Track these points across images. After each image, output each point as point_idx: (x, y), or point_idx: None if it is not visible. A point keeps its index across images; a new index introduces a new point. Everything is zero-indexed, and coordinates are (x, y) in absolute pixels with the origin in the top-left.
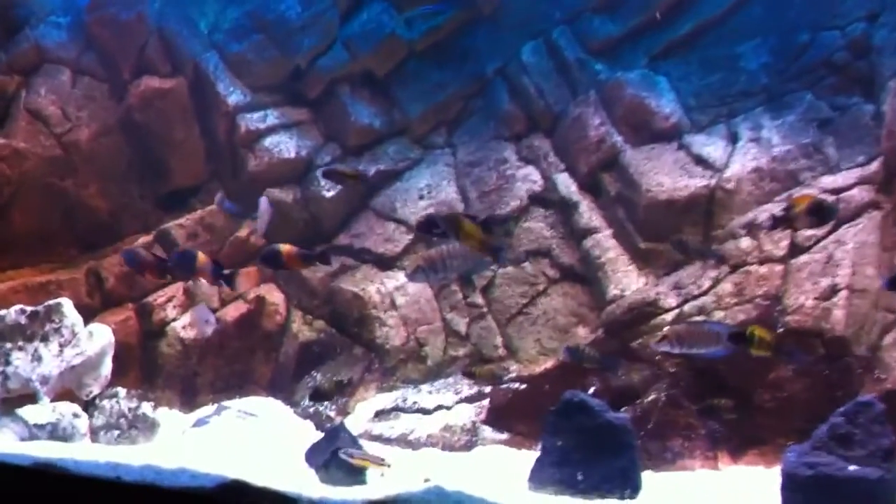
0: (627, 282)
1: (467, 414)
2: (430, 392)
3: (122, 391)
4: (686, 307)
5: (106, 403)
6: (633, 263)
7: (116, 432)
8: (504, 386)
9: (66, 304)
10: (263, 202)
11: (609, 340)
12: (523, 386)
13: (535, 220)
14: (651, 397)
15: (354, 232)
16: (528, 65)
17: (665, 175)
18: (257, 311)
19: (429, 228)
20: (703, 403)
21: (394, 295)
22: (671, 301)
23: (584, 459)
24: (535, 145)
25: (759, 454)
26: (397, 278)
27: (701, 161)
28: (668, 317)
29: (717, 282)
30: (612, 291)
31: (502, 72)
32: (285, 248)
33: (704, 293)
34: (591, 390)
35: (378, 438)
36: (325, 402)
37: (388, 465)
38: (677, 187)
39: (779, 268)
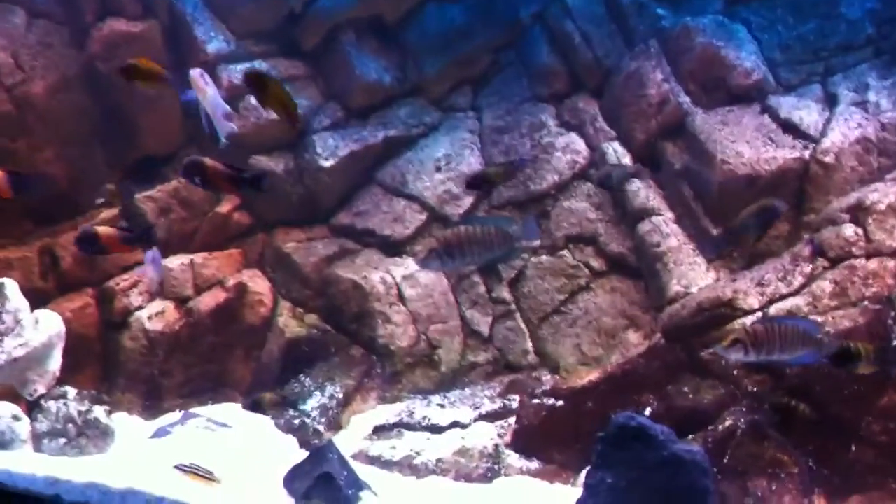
0: (694, 276)
1: (488, 435)
2: (442, 405)
3: (71, 391)
4: (772, 309)
5: (52, 405)
6: (701, 254)
7: (63, 440)
8: (536, 401)
9: (10, 286)
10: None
11: (670, 349)
12: (560, 402)
13: (577, 198)
14: (727, 424)
15: (357, 209)
16: (573, 8)
17: (745, 144)
18: (238, 301)
19: (480, 186)
20: (771, 400)
21: (402, 285)
22: (752, 301)
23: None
24: (579, 108)
25: (865, 501)
26: (406, 265)
27: (791, 128)
28: (749, 321)
29: (811, 279)
30: (674, 288)
31: (541, 17)
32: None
33: (796, 292)
34: (648, 411)
35: (376, 461)
36: (314, 414)
37: (218, 481)
38: (762, 159)
39: (892, 263)
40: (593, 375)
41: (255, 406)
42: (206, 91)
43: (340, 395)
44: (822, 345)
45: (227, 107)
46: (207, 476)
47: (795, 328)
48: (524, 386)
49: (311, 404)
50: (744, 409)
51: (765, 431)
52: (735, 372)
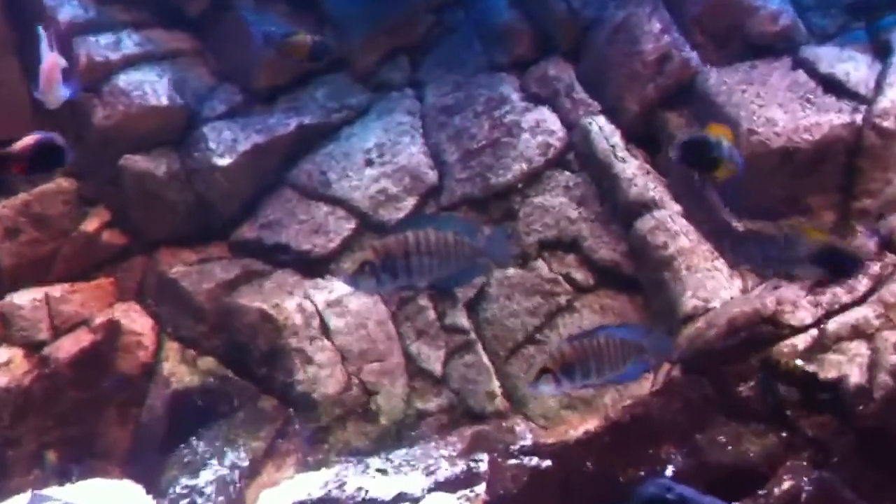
0: (714, 286)
1: None
2: (384, 471)
3: None
4: (830, 325)
5: None
6: (721, 257)
7: None
8: (513, 462)
9: None
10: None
11: (694, 384)
12: (547, 463)
13: (552, 192)
14: (785, 485)
15: (265, 220)
16: None
17: (778, 108)
18: (108, 345)
19: (694, 158)
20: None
21: (326, 314)
22: (804, 316)
23: None
24: (550, 75)
25: None
26: (332, 288)
27: (834, 86)
28: (801, 341)
29: (880, 281)
30: (690, 302)
31: None
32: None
33: (861, 300)
34: (670, 470)
35: None
36: (208, 490)
37: None
38: (800, 127)
39: None
40: (590, 424)
41: None
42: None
43: (246, 463)
44: (649, 351)
45: (64, 62)
46: None
47: (611, 339)
48: (493, 440)
49: (205, 477)
50: (805, 464)
51: (839, 494)
52: (788, 412)
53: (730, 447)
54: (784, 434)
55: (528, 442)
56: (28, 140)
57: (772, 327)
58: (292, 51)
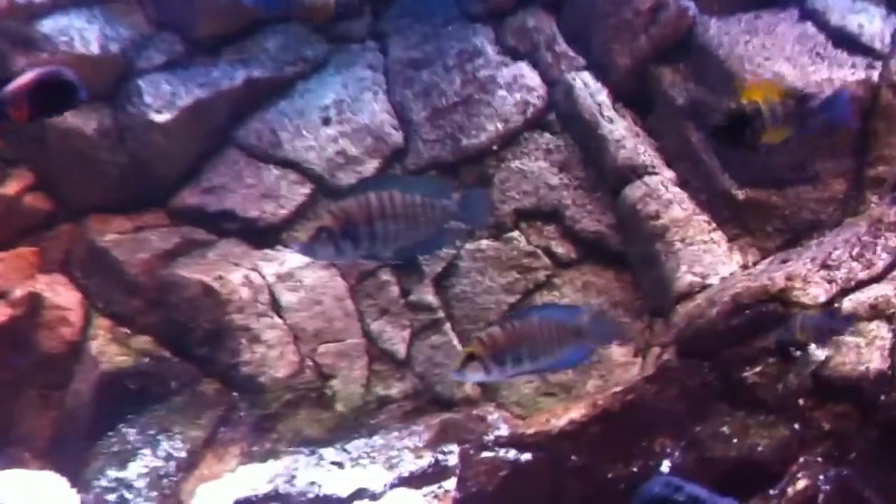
0: (712, 261)
1: None
2: (340, 463)
3: None
4: (845, 303)
5: None
6: (720, 228)
7: None
8: (487, 454)
9: None
10: None
11: (693, 369)
12: (526, 456)
13: (531, 155)
14: (799, 484)
15: (209, 183)
16: None
17: (785, 62)
18: (29, 321)
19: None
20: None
21: (276, 289)
22: (817, 292)
23: None
24: (529, 27)
25: None
26: (283, 260)
27: (846, 40)
28: None
29: None
30: (686, 278)
31: None
32: None
33: (880, 276)
34: (666, 465)
35: None
36: (139, 485)
37: None
38: (811, 82)
39: None
40: (575, 412)
41: None
42: None
43: (182, 454)
44: (588, 334)
45: None
46: None
47: (547, 320)
48: (464, 430)
49: (135, 469)
50: (821, 460)
51: (860, 493)
52: (801, 401)
53: (735, 440)
54: (796, 426)
55: (503, 432)
56: (26, 78)
57: (780, 305)
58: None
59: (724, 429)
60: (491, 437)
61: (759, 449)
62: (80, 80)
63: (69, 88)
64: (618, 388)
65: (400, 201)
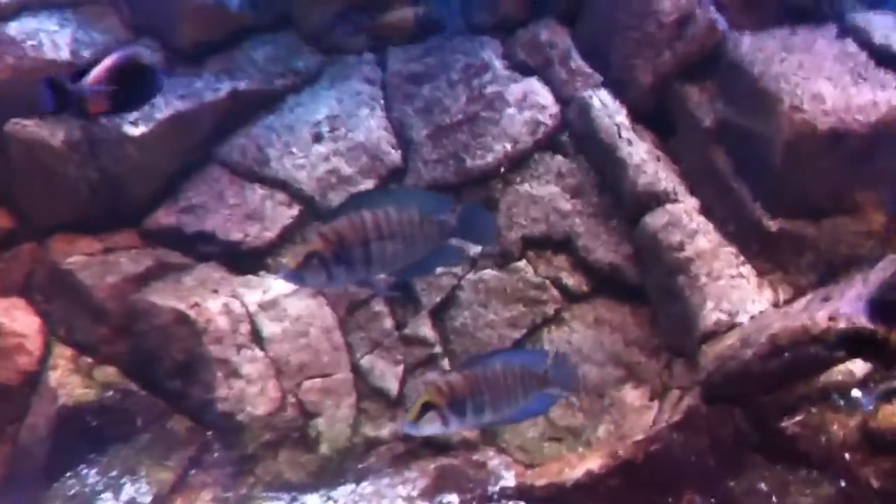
0: (740, 297)
1: None
2: None
3: None
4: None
5: None
6: (749, 262)
7: None
8: None
9: None
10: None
11: (723, 416)
12: None
13: (542, 179)
14: None
15: (187, 202)
16: None
17: (826, 81)
18: None
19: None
20: None
21: (258, 318)
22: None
23: None
24: (541, 40)
25: None
26: (266, 287)
27: (890, 60)
28: (860, 366)
29: None
30: (711, 316)
31: None
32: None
33: None
34: None
35: None
36: None
37: None
38: (853, 105)
39: None
40: (593, 462)
41: None
42: None
43: (148, 499)
44: (553, 381)
45: None
46: None
47: (511, 366)
48: (463, 478)
49: None
50: None
51: None
52: (847, 455)
53: (774, 499)
54: (842, 483)
55: (509, 482)
56: (105, 65)
57: (823, 348)
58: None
59: (762, 485)
60: (496, 488)
61: None
62: (159, 64)
63: (148, 75)
64: (640, 437)
65: (396, 219)
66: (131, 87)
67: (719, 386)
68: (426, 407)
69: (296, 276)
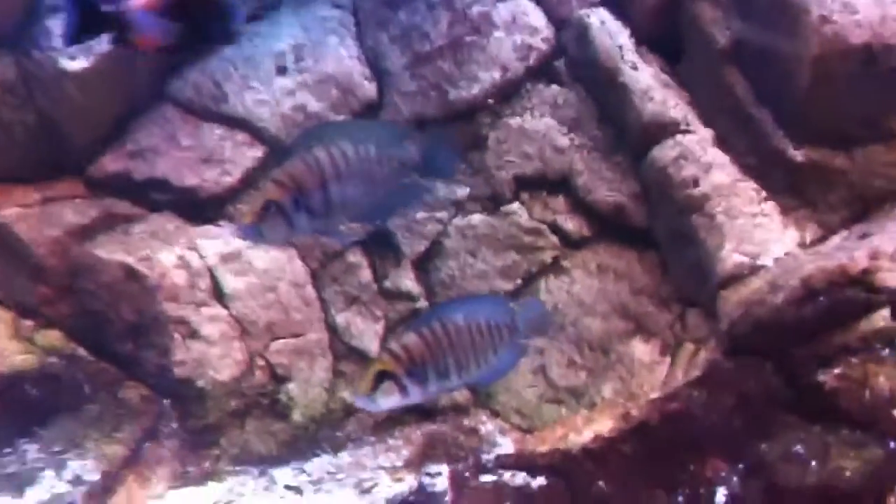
0: (762, 237)
1: None
2: (296, 488)
3: None
4: None
5: None
6: (772, 198)
7: None
8: (487, 478)
9: None
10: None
11: (751, 369)
12: (539, 481)
13: (535, 111)
14: None
15: (136, 146)
16: None
17: None
18: None
19: None
20: None
21: (219, 272)
22: None
23: None
24: None
25: None
26: (228, 238)
27: None
28: None
29: None
30: (730, 258)
31: None
32: None
33: None
34: (722, 494)
35: None
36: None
37: None
38: (890, 16)
39: None
40: (602, 425)
41: None
42: None
43: (96, 476)
44: (523, 329)
45: None
46: None
47: (475, 318)
48: (453, 446)
49: (35, 496)
50: None
51: None
52: (895, 412)
53: (813, 463)
54: (892, 444)
55: (506, 449)
56: None
57: (863, 291)
58: None
59: (798, 448)
60: (491, 457)
61: (847, 474)
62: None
63: (221, 9)
64: (656, 395)
65: (353, 155)
66: (196, 21)
67: (745, 336)
68: (381, 376)
69: (253, 230)
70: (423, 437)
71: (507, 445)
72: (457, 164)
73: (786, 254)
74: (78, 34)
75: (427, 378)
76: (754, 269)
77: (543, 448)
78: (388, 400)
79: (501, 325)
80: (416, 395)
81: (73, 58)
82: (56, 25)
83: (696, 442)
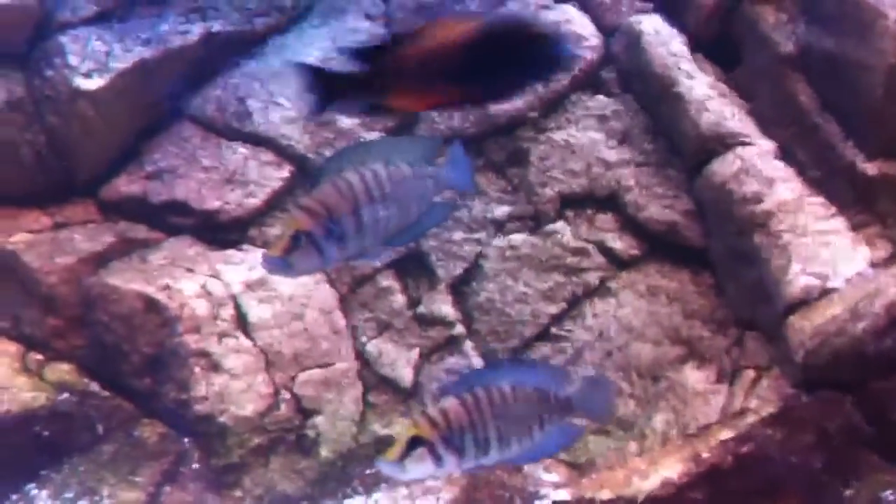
0: (832, 256)
1: None
2: None
3: None
4: None
5: None
6: (841, 214)
7: None
8: None
9: None
10: None
11: (830, 406)
12: None
13: (581, 123)
14: None
15: (153, 167)
16: None
17: None
18: None
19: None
20: None
21: (243, 300)
22: None
23: None
24: None
25: None
26: (252, 262)
27: None
28: None
29: None
30: (798, 281)
31: None
32: None
33: None
34: None
35: None
36: None
37: None
38: None
39: None
40: (669, 469)
41: None
42: None
43: None
44: (579, 406)
45: None
46: None
47: (523, 387)
48: (499, 487)
49: None
50: None
51: None
52: None
53: None
54: None
55: (561, 495)
56: (461, 30)
57: None
58: None
59: (888, 494)
60: (546, 503)
61: None
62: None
63: (549, 49)
64: (728, 435)
65: (385, 176)
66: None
67: (821, 367)
68: (414, 442)
69: (283, 263)
70: (464, 477)
71: (556, 484)
72: (473, 175)
73: (857, 273)
74: (323, 107)
75: (464, 448)
76: (824, 292)
77: (604, 494)
78: (420, 468)
79: (554, 397)
80: (450, 466)
81: (88, 76)
82: (69, 42)
83: (774, 486)
